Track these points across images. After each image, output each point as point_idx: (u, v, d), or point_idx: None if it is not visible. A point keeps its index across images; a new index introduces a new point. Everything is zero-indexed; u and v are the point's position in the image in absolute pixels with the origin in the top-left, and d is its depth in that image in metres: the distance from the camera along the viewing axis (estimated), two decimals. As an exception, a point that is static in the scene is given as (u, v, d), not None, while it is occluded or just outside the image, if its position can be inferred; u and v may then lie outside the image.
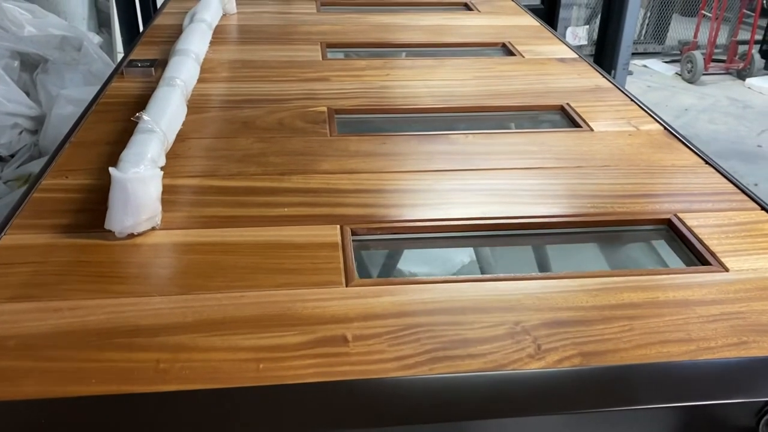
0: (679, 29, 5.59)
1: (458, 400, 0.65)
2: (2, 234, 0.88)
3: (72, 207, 0.95)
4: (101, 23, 3.99)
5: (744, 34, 5.13)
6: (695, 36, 5.03)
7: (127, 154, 0.89)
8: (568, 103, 1.37)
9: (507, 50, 1.72)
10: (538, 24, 1.94)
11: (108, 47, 3.86)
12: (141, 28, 3.29)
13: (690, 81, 4.87)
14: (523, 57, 1.65)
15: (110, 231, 0.89)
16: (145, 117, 0.96)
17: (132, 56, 1.54)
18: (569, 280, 0.83)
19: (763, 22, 5.03)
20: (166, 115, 1.01)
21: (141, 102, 1.31)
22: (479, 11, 2.06)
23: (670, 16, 5.48)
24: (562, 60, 1.63)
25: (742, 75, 4.93)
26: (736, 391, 0.68)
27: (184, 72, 1.18)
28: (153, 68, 1.45)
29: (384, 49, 1.72)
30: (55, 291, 0.78)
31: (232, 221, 0.93)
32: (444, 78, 1.50)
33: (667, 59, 5.36)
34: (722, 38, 5.14)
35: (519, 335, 0.73)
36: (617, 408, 0.66)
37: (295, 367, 0.68)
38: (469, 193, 1.03)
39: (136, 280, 0.81)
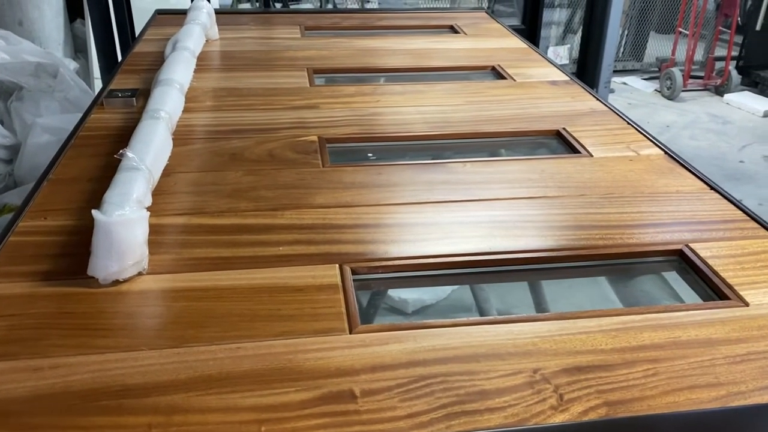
0: (656, 46, 5.65)
1: (480, 462, 0.60)
2: (-25, 284, 0.82)
3: (52, 251, 0.89)
4: (77, 49, 3.92)
5: (720, 51, 5.20)
6: (673, 53, 5.08)
7: (111, 195, 0.83)
8: (564, 128, 1.33)
9: (497, 73, 1.69)
10: (525, 46, 1.92)
11: (84, 73, 3.79)
12: (119, 54, 3.23)
13: (669, 98, 4.91)
14: (515, 80, 1.62)
15: (94, 278, 0.83)
16: (129, 154, 0.91)
17: (112, 86, 1.48)
18: (585, 320, 0.78)
19: (738, 39, 5.10)
20: (151, 151, 0.96)
21: (123, 135, 1.26)
22: (466, 34, 2.04)
23: (648, 34, 5.54)
24: (553, 83, 1.61)
25: (720, 91, 4.98)
26: (774, 440, 0.63)
27: (169, 103, 1.12)
28: (134, 98, 1.40)
29: (372, 74, 1.68)
30: (35, 347, 0.72)
31: (224, 263, 0.88)
32: (436, 103, 1.46)
33: (646, 76, 5.40)
34: (699, 55, 5.20)
35: (539, 384, 0.68)
36: (650, 464, 0.61)
37: (300, 429, 0.63)
38: (472, 226, 0.98)
39: (122, 332, 0.75)
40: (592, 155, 1.22)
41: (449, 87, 1.57)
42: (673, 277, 0.93)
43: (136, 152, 0.93)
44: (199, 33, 1.55)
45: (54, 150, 2.97)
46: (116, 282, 0.82)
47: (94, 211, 0.81)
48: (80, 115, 2.98)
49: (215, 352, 0.72)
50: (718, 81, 4.97)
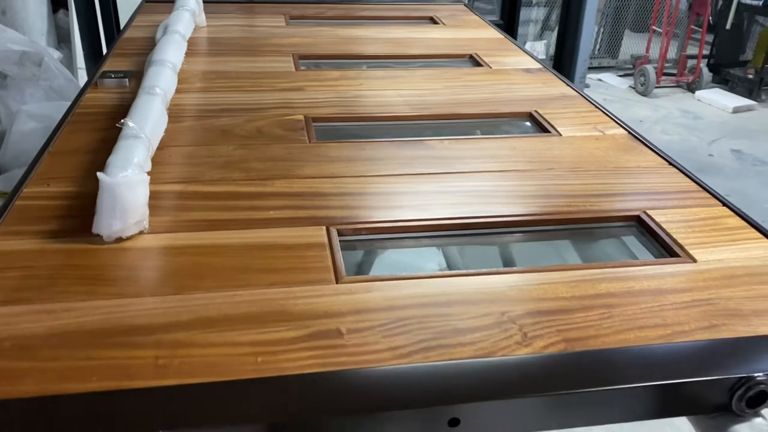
0: (631, 44, 5.79)
1: (452, 385, 0.68)
2: (-13, 241, 0.88)
3: (56, 213, 0.96)
4: (60, 39, 3.94)
5: (692, 49, 5.34)
6: (647, 51, 5.22)
7: (115, 159, 0.90)
8: (536, 110, 1.42)
9: (474, 61, 1.77)
10: (502, 37, 2.01)
11: (68, 63, 3.81)
12: (104, 44, 3.26)
13: (643, 94, 5.04)
14: (491, 68, 1.70)
15: (98, 235, 0.89)
16: (129, 123, 0.97)
17: (104, 68, 1.54)
18: (549, 273, 0.86)
19: (709, 38, 5.25)
20: (149, 122, 1.02)
21: (117, 112, 1.32)
22: (445, 24, 2.12)
23: (623, 32, 5.68)
24: (527, 70, 1.69)
25: (691, 88, 5.13)
26: (710, 370, 0.72)
27: (163, 81, 1.19)
28: (127, 79, 1.46)
29: (355, 60, 1.76)
30: (48, 294, 0.79)
31: (219, 224, 0.95)
32: (416, 87, 1.54)
33: (621, 73, 5.54)
34: (672, 53, 5.34)
35: (506, 324, 0.77)
36: (601, 388, 0.69)
37: (293, 359, 0.70)
38: (449, 195, 1.06)
39: (127, 282, 0.82)
40: (561, 134, 1.31)
41: (428, 73, 1.65)
42: (631, 240, 1.01)
43: (136, 122, 0.99)
44: (188, 18, 1.61)
45: (39, 137, 3.01)
46: (119, 239, 0.89)
47: (99, 174, 0.87)
48: (66, 103, 3.02)
49: (213, 299, 0.79)
50: (690, 78, 5.12)
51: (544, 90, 1.56)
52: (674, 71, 5.24)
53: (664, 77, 5.14)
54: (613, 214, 1.03)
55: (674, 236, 0.96)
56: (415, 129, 1.37)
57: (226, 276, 0.83)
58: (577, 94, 1.53)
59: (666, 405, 0.72)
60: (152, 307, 0.77)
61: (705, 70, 5.10)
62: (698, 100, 4.95)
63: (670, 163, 1.20)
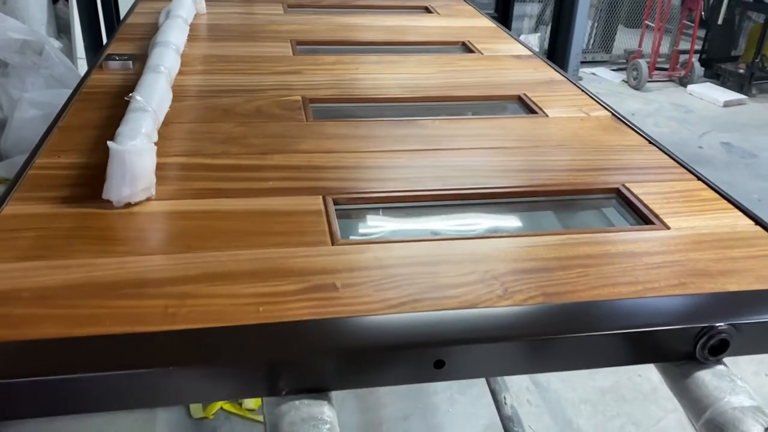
0: (624, 39, 5.86)
1: (438, 330, 0.74)
2: (3, 205, 0.93)
3: (67, 182, 1.01)
4: (60, 29, 3.98)
5: (684, 44, 5.41)
6: (640, 45, 5.28)
7: (124, 130, 0.95)
8: (525, 94, 1.48)
9: (467, 48, 1.83)
10: (494, 26, 2.07)
11: (67, 53, 3.85)
12: (104, 35, 3.31)
13: (636, 87, 5.11)
14: (482, 54, 1.76)
15: (108, 201, 0.95)
16: (137, 97, 1.03)
17: (108, 51, 1.59)
18: (532, 238, 0.92)
19: (701, 33, 5.31)
20: (155, 97, 1.08)
21: (122, 92, 1.37)
22: (439, 14, 2.17)
23: (616, 27, 5.74)
24: (518, 57, 1.75)
25: (683, 82, 5.20)
26: (676, 320, 0.78)
27: (167, 61, 1.24)
28: (131, 62, 1.51)
29: (351, 46, 1.81)
30: (62, 252, 0.84)
31: (222, 193, 1.01)
32: (410, 72, 1.59)
33: (614, 67, 5.60)
34: (665, 48, 5.41)
35: (488, 281, 0.82)
36: (575, 334, 0.75)
37: (292, 308, 0.76)
38: (440, 169, 1.12)
39: (137, 242, 0.88)
40: (547, 115, 1.37)
41: (422, 58, 1.71)
42: (610, 211, 1.07)
43: (143, 97, 1.05)
44: (190, 4, 1.66)
45: (40, 124, 3.06)
46: (128, 205, 0.95)
47: (109, 142, 0.93)
48: (67, 90, 3.07)
49: (218, 257, 0.85)
50: (682, 72, 5.19)
51: (534, 75, 1.61)
52: (666, 66, 5.31)
53: (656, 71, 5.20)
54: (594, 187, 1.09)
55: (650, 207, 1.02)
56: (408, 110, 1.43)
57: (229, 238, 0.89)
58: (565, 79, 1.59)
59: (636, 353, 0.78)
60: (161, 263, 0.83)
61: (697, 64, 5.17)
62: (690, 94, 5.02)
63: (651, 142, 1.26)
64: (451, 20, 2.11)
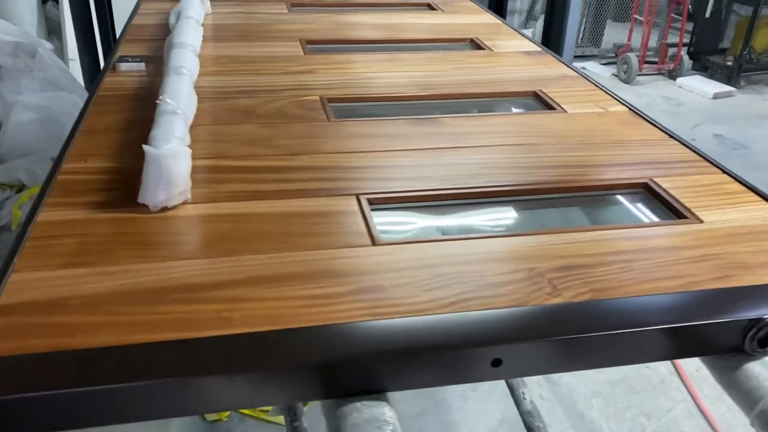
0: (612, 33, 5.90)
1: (494, 329, 0.74)
2: (38, 212, 0.92)
3: (98, 187, 1.00)
4: (50, 30, 3.94)
5: (673, 38, 5.46)
6: (629, 39, 5.32)
7: (157, 133, 0.95)
8: (540, 89, 1.48)
9: (475, 45, 1.83)
10: (500, 22, 2.07)
11: (59, 54, 3.81)
12: (97, 35, 3.27)
13: (626, 81, 5.15)
14: (492, 51, 1.77)
15: (144, 205, 0.94)
16: (168, 100, 1.02)
17: (119, 53, 1.58)
18: (569, 234, 0.93)
19: (689, 26, 5.36)
20: (182, 100, 1.07)
21: (138, 94, 1.36)
22: (443, 10, 2.18)
23: (605, 22, 5.77)
24: (528, 53, 1.76)
25: (672, 75, 5.24)
26: (724, 313, 0.79)
27: (188, 62, 1.23)
28: (144, 63, 1.50)
29: (360, 44, 1.81)
30: (104, 258, 0.83)
31: (255, 195, 1.00)
32: (422, 69, 1.59)
33: (604, 61, 5.64)
34: (652, 41, 5.45)
35: (535, 278, 0.83)
36: (626, 331, 0.76)
37: (343, 310, 0.76)
38: (468, 167, 1.12)
39: (177, 246, 0.87)
40: (566, 111, 1.37)
41: (433, 56, 1.71)
42: (640, 205, 1.08)
43: (170, 99, 1.04)
44: (199, 4, 1.65)
45: (36, 127, 3.01)
46: (164, 209, 0.94)
47: (145, 146, 0.92)
48: (63, 93, 3.04)
49: (262, 260, 0.84)
50: (671, 66, 5.23)
51: (546, 71, 1.62)
52: (655, 59, 5.35)
53: (645, 65, 5.24)
54: (622, 182, 1.10)
55: (681, 200, 1.03)
56: (425, 108, 1.43)
57: (270, 240, 0.89)
58: (578, 74, 1.60)
59: (684, 346, 0.79)
60: (205, 267, 0.82)
61: (686, 57, 5.21)
62: (679, 86, 5.07)
63: (671, 136, 1.27)
64: (455, 17, 2.11)
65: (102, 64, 3.37)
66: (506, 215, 1.04)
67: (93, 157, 1.09)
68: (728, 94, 4.91)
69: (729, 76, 5.10)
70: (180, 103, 1.04)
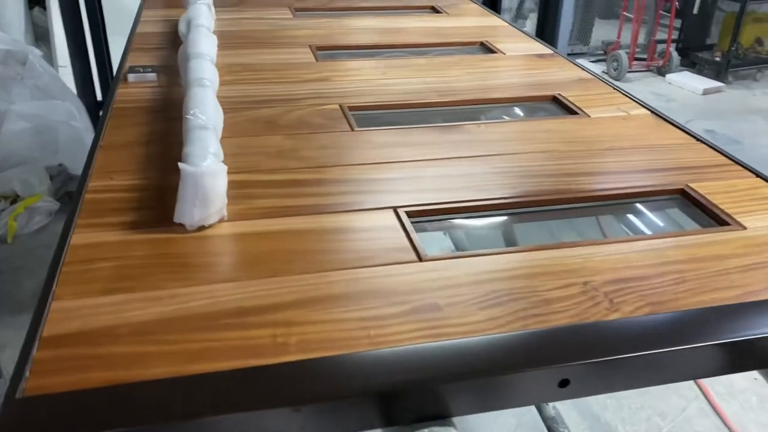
0: (600, 31, 5.92)
1: (563, 348, 0.72)
2: (71, 234, 0.89)
3: (128, 206, 0.97)
4: (38, 37, 3.87)
5: (661, 35, 5.49)
6: (618, 36, 5.34)
7: (192, 150, 0.92)
8: (559, 93, 1.47)
9: (486, 48, 1.81)
10: (507, 24, 2.06)
11: (47, 61, 3.74)
12: (89, 41, 3.22)
13: (616, 78, 5.17)
14: (504, 54, 1.75)
15: (179, 224, 0.91)
16: (198, 114, 0.99)
17: (129, 63, 1.54)
18: (617, 245, 0.91)
19: (677, 23, 5.39)
20: (210, 112, 1.04)
21: (154, 106, 1.33)
22: (448, 13, 2.16)
23: (593, 20, 5.79)
24: (540, 56, 1.75)
25: (662, 71, 5.28)
26: (785, 325, 0.78)
27: (208, 73, 1.20)
28: (155, 74, 1.46)
29: (371, 50, 1.78)
30: (147, 282, 0.80)
31: (291, 211, 0.97)
32: (438, 75, 1.57)
33: (593, 59, 5.65)
34: (641, 38, 5.47)
35: (590, 292, 0.81)
36: (693, 345, 0.74)
37: (401, 332, 0.74)
38: (500, 176, 1.10)
39: (221, 268, 0.84)
40: (589, 116, 1.36)
41: (446, 60, 1.69)
42: (678, 212, 1.07)
43: (198, 113, 1.01)
44: (207, 12, 1.61)
45: (30, 136, 2.95)
46: (201, 228, 0.91)
47: (181, 164, 0.89)
48: (56, 101, 2.98)
49: (308, 280, 0.82)
50: (661, 62, 5.26)
51: (562, 74, 1.61)
52: (644, 56, 5.38)
53: (635, 62, 5.27)
54: (658, 189, 1.08)
55: (720, 206, 1.02)
56: (447, 115, 1.41)
57: (314, 259, 0.86)
58: (594, 77, 1.59)
59: (745, 359, 0.78)
60: (253, 290, 0.80)
61: (675, 54, 5.25)
62: (669, 83, 5.10)
63: (698, 139, 1.26)
64: (462, 20, 2.09)
65: (95, 70, 3.32)
66: (545, 225, 1.03)
67: (118, 173, 1.06)
68: (717, 90, 4.95)
69: (717, 72, 5.15)
70: (209, 117, 1.01)
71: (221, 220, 0.93)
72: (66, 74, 3.45)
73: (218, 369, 0.67)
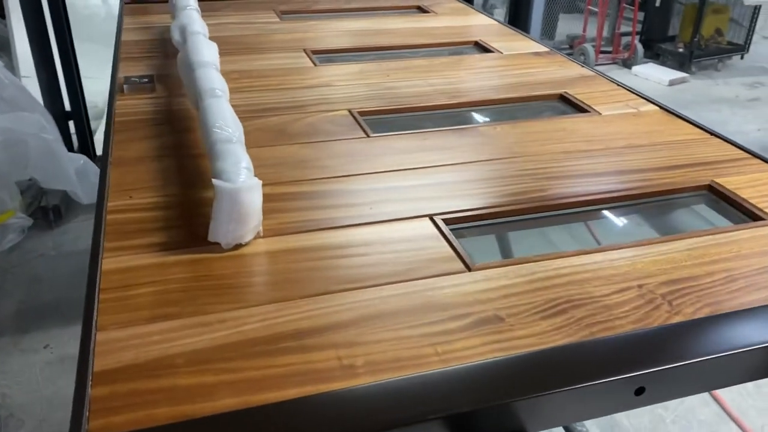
0: (564, 25, 5.98)
1: (637, 356, 0.71)
2: (100, 259, 0.84)
3: (155, 225, 0.92)
4: (-2, 47, 3.72)
5: (623, 27, 5.57)
6: (584, 30, 5.40)
7: (224, 165, 0.88)
8: (565, 91, 1.47)
9: (481, 48, 1.80)
10: (496, 22, 2.05)
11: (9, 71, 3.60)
12: (55, 50, 3.11)
13: (584, 72, 5.22)
14: (502, 53, 1.74)
15: (213, 243, 0.87)
16: (225, 127, 0.95)
17: (122, 73, 1.48)
18: (660, 245, 0.91)
19: (640, 16, 5.48)
20: (232, 124, 1.00)
21: (157, 117, 1.28)
22: (436, 13, 2.14)
23: (558, 14, 5.85)
24: (537, 54, 1.74)
25: (627, 64, 5.36)
26: (842, 319, 0.78)
27: (218, 82, 1.16)
28: (153, 84, 1.41)
29: (367, 52, 1.75)
30: (191, 307, 0.76)
31: (324, 223, 0.94)
32: (441, 76, 1.55)
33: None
34: (605, 31, 5.55)
35: (647, 296, 0.80)
36: (756, 347, 0.74)
37: (469, 347, 0.71)
38: (527, 178, 1.09)
39: (266, 287, 0.81)
40: (600, 113, 1.36)
41: (446, 61, 1.67)
42: (708, 208, 1.07)
43: (221, 126, 0.97)
44: (199, 17, 1.56)
45: (2, 150, 2.81)
46: (238, 246, 0.87)
47: (216, 181, 0.85)
48: (25, 114, 2.87)
49: (359, 296, 0.79)
50: (626, 54, 5.34)
51: (563, 72, 1.60)
52: (609, 49, 5.46)
53: (601, 55, 5.34)
54: (686, 185, 1.08)
55: (750, 201, 1.03)
56: (459, 117, 1.39)
57: (362, 274, 0.83)
58: (595, 74, 1.59)
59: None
60: (307, 309, 0.76)
61: (639, 46, 5.33)
62: (635, 75, 5.18)
63: (711, 134, 1.27)
64: (451, 19, 2.07)
65: (61, 80, 3.21)
66: (582, 228, 1.02)
67: (136, 191, 1.01)
68: (682, 80, 5.05)
69: (681, 63, 5.25)
70: (233, 129, 0.97)
71: (257, 237, 0.89)
72: (30, 84, 3.32)
73: (287, 397, 0.64)
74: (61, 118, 3.22)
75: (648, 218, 1.08)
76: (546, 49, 1.77)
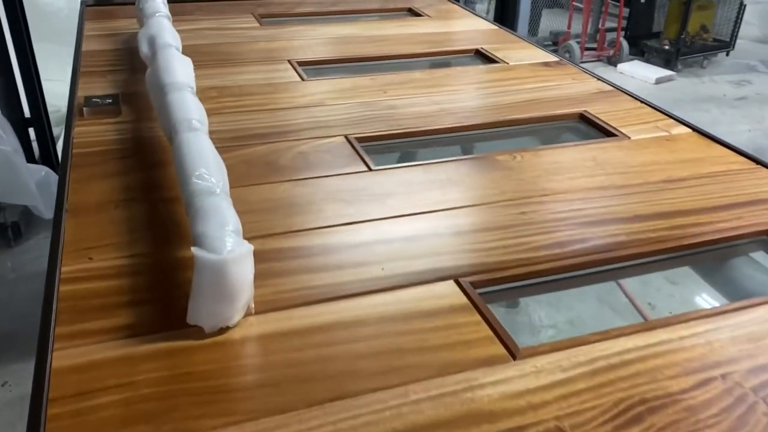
0: (547, 21, 5.86)
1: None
2: (48, 355, 0.66)
3: (119, 299, 0.75)
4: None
5: (609, 24, 5.46)
6: (569, 27, 5.28)
7: (205, 229, 0.70)
8: (585, 110, 1.31)
9: (484, 56, 1.64)
10: (495, 27, 1.89)
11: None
12: (13, 56, 2.88)
13: (568, 70, 5.10)
14: (507, 64, 1.58)
15: (195, 326, 0.70)
16: (205, 175, 0.77)
17: (83, 92, 1.29)
18: (737, 315, 0.76)
19: (625, 12, 5.38)
20: (214, 168, 0.82)
21: (125, 148, 1.10)
22: (430, 16, 1.97)
23: (541, 11, 5.72)
24: (546, 64, 1.58)
25: (612, 61, 5.25)
26: None
27: (195, 111, 0.98)
28: (118, 105, 1.22)
29: (359, 63, 1.58)
30: (169, 423, 0.59)
31: (330, 291, 0.77)
32: (444, 92, 1.39)
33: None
34: (589, 28, 5.43)
35: (736, 390, 0.65)
36: None
37: (532, 479, 0.55)
38: (564, 224, 0.93)
39: (264, 390, 0.64)
40: (629, 137, 1.21)
41: (448, 73, 1.51)
42: (765, 256, 0.93)
43: (203, 172, 0.79)
44: (171, 27, 1.37)
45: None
46: (224, 329, 0.70)
47: (196, 250, 0.67)
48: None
49: (387, 401, 0.62)
50: (611, 51, 5.23)
51: (578, 86, 1.45)
52: (594, 46, 5.34)
53: (586, 52, 5.22)
54: (743, 231, 0.94)
55: (823, 251, 0.88)
56: (470, 141, 1.24)
57: (382, 367, 0.67)
58: (614, 89, 1.44)
59: None
60: (319, 423, 0.60)
61: (625, 43, 5.22)
62: (621, 73, 5.07)
63: (757, 162, 1.13)
64: (447, 24, 1.91)
65: (20, 86, 2.98)
66: (639, 283, 0.86)
67: (96, 250, 0.83)
68: (669, 79, 4.95)
69: (667, 60, 5.15)
70: (216, 176, 0.79)
71: (247, 314, 0.72)
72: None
73: None
74: (19, 125, 2.99)
75: (706, 274, 0.93)
76: (555, 59, 1.61)
